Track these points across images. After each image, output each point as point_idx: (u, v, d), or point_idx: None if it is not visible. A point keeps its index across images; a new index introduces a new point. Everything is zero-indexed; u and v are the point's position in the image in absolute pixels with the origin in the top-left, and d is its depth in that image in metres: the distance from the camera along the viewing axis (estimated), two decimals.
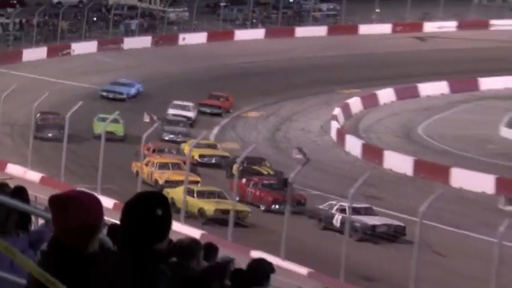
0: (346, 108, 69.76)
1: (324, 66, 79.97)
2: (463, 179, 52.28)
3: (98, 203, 4.70)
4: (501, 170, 54.50)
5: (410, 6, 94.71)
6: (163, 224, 4.60)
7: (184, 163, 48.48)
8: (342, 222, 41.34)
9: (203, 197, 45.24)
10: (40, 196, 22.21)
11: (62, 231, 4.56)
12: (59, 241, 4.57)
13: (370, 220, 42.84)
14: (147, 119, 56.77)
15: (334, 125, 65.03)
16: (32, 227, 9.30)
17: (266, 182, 49.22)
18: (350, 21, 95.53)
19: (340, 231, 40.95)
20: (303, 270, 36.04)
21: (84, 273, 4.48)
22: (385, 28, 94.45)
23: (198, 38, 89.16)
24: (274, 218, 43.80)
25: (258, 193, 47.74)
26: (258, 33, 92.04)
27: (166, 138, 58.28)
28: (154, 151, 53.10)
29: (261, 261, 10.12)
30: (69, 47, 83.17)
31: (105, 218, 4.89)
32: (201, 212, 44.27)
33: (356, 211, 41.92)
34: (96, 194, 5.05)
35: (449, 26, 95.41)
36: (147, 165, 49.58)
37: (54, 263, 4.50)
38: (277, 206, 45.86)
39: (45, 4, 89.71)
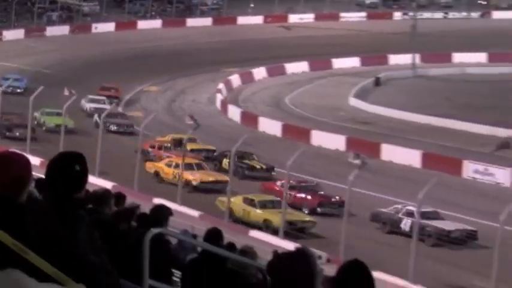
0: (228, 84, 69.91)
1: (210, 50, 79.95)
2: (321, 139, 52.84)
3: (27, 160, 4.61)
4: (350, 131, 55.28)
5: (278, 1, 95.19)
6: (80, 177, 4.53)
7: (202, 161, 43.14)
8: (412, 227, 34.06)
9: (265, 207, 36.58)
10: None
11: None
12: None
13: (444, 225, 35.27)
14: (66, 92, 55.69)
15: (219, 97, 65.18)
16: None
17: (304, 184, 40.35)
18: (230, 14, 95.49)
19: (409, 235, 33.94)
20: (195, 213, 35.97)
21: (15, 219, 4.39)
22: (258, 19, 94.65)
23: (108, 27, 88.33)
24: (322, 221, 36.69)
25: (300, 196, 39.02)
26: (156, 23, 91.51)
27: (113, 129, 52.27)
28: (160, 148, 45.89)
29: (161, 206, 10.05)
30: (0, 33, 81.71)
31: (33, 173, 4.81)
32: (267, 223, 35.69)
33: (425, 216, 34.45)
34: (25, 154, 4.94)
35: (309, 17, 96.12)
36: (169, 166, 42.16)
37: None
38: (321, 209, 38.11)
39: None
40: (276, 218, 35.16)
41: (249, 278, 8.92)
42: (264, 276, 8.75)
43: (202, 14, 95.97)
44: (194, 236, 14.68)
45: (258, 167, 43.85)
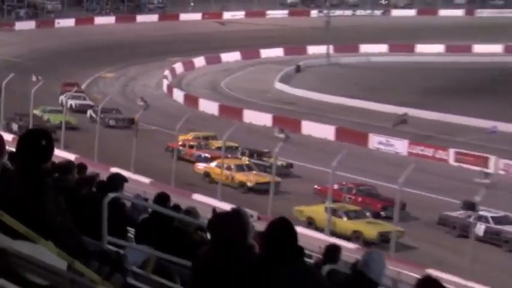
0: (172, 71, 69.53)
1: (157, 42, 79.25)
2: (251, 116, 52.95)
3: (1, 137, 4.55)
4: (276, 110, 55.45)
5: (214, 1, 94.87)
6: (46, 150, 4.49)
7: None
8: (486, 232, 30.30)
9: (351, 217, 30.72)
10: None
11: None
12: None
13: None
14: (34, 78, 54.57)
15: (165, 82, 64.79)
16: None
17: (362, 188, 34.47)
18: (174, 11, 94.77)
19: (482, 240, 30.01)
20: (146, 180, 35.75)
21: None
22: (197, 16, 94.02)
23: (69, 22, 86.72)
24: None
25: (361, 199, 33.20)
26: (111, 19, 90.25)
27: (112, 124, 47.05)
28: (192, 147, 40.68)
29: (117, 174, 9.95)
30: None
31: (6, 147, 4.74)
32: (357, 234, 29.95)
33: (497, 220, 30.73)
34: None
35: (240, 14, 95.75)
36: (220, 167, 36.22)
37: None
38: (384, 212, 32.29)
39: None
40: (366, 229, 29.86)
41: (192, 235, 8.92)
42: (205, 232, 8.76)
43: (150, 11, 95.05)
44: (145, 199, 14.59)
45: (278, 164, 37.17)
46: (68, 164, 9.47)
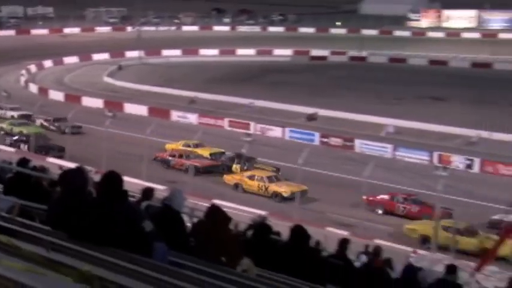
0: (28, 70, 64.86)
1: (15, 50, 73.40)
2: (88, 102, 50.42)
3: None
4: (105, 96, 53.39)
5: (56, 20, 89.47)
6: None
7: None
8: None
9: (462, 234, 22.76)
10: None
11: None
12: None
13: None
14: None
15: (23, 78, 60.39)
16: None
17: (413, 197, 26.17)
18: (27, 28, 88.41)
19: None
20: (12, 150, 32.72)
21: None
22: (45, 31, 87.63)
23: None
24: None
25: (418, 209, 25.26)
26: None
27: (66, 131, 36.51)
28: (181, 156, 31.73)
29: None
30: None
31: None
32: (484, 250, 21.31)
33: None
34: None
35: (77, 30, 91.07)
36: (251, 178, 28.36)
37: None
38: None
39: None
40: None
41: (46, 187, 8.43)
42: (56, 184, 8.31)
43: (8, 28, 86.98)
44: (10, 163, 13.55)
45: (268, 170, 29.97)
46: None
